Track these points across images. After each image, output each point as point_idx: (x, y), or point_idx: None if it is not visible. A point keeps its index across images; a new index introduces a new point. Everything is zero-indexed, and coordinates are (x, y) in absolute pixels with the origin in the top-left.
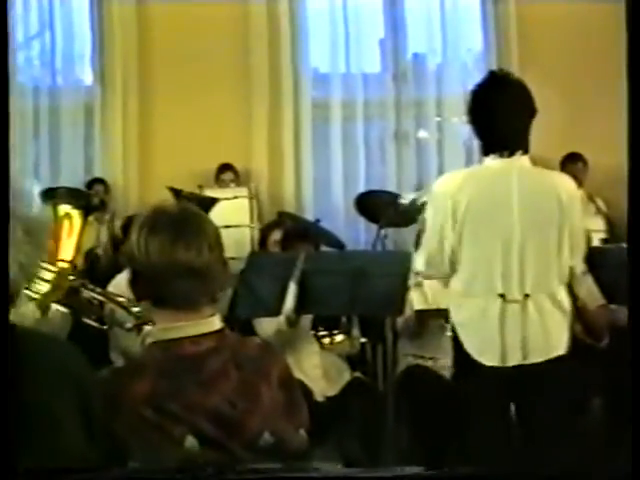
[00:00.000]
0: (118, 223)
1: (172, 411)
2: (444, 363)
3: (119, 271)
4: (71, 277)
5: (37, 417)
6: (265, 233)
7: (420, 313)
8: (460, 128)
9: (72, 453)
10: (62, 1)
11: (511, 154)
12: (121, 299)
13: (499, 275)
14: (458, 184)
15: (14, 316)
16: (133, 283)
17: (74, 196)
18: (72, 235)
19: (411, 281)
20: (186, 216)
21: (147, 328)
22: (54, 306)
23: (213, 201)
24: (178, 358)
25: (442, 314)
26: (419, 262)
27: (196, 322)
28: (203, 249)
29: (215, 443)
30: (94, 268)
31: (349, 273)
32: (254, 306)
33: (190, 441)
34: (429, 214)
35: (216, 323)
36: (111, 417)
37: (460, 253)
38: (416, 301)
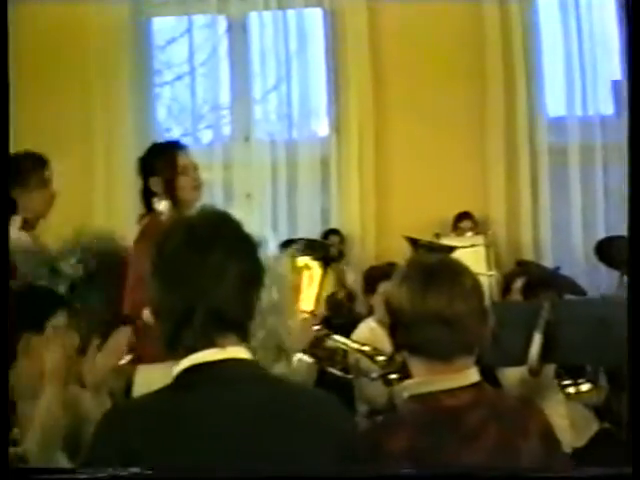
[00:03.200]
0: (352, 275)
1: (431, 466)
2: None
3: (356, 321)
4: (315, 327)
5: (295, 467)
6: (509, 281)
7: None
8: None
9: None
10: (299, 54)
11: None
12: (365, 348)
13: None
14: None
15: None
16: (392, 331)
17: (313, 247)
18: (312, 286)
19: None
20: (440, 266)
21: (406, 382)
22: (299, 356)
23: (450, 250)
24: (436, 412)
25: None
26: None
27: (452, 375)
28: (455, 299)
29: None
30: (335, 316)
31: (593, 322)
32: (499, 355)
33: None
34: None
35: (473, 376)
36: (370, 470)
37: None
38: None
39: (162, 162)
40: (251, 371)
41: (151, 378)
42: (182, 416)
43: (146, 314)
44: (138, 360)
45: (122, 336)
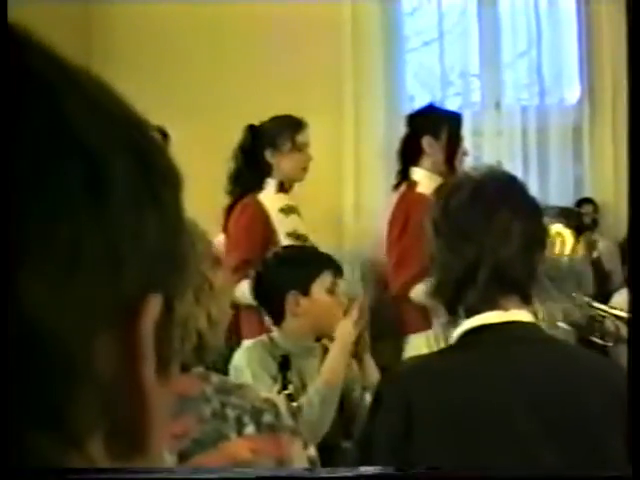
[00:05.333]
0: (604, 243)
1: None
2: None
3: (610, 292)
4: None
5: (580, 430)
6: None
7: None
8: None
9: (614, 465)
10: (549, 17)
11: None
12: (626, 315)
13: None
14: None
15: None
16: None
17: (566, 215)
18: (563, 254)
19: None
20: None
21: None
22: (558, 323)
23: None
24: None
25: None
26: None
27: None
28: None
29: None
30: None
31: None
32: None
33: None
34: None
35: None
36: None
37: None
38: None
39: (449, 127)
40: (537, 335)
41: (419, 346)
42: (467, 377)
43: (415, 292)
44: (405, 330)
45: (365, 304)
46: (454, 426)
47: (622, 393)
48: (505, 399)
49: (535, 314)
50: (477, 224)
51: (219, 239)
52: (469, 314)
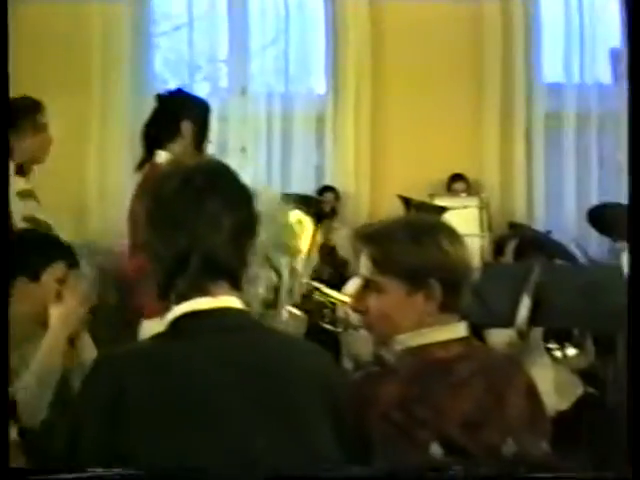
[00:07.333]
0: (344, 231)
1: (420, 416)
2: None
3: (348, 278)
4: (304, 281)
5: (289, 418)
6: (501, 243)
7: None
8: None
9: (322, 453)
10: (298, 8)
11: None
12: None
13: None
14: None
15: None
16: None
17: (305, 203)
18: (303, 242)
19: None
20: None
21: (400, 335)
22: (290, 309)
23: (442, 210)
24: (428, 363)
25: None
26: None
27: (443, 328)
28: None
29: (458, 450)
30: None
31: (584, 287)
32: (487, 316)
33: (434, 448)
34: None
35: (463, 330)
36: (360, 419)
37: None
38: None
39: (203, 110)
40: (244, 321)
41: (153, 332)
42: (174, 363)
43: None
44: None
45: (77, 281)
46: (165, 413)
47: (330, 384)
48: (215, 386)
49: (249, 301)
50: (187, 213)
51: None
52: (179, 300)
